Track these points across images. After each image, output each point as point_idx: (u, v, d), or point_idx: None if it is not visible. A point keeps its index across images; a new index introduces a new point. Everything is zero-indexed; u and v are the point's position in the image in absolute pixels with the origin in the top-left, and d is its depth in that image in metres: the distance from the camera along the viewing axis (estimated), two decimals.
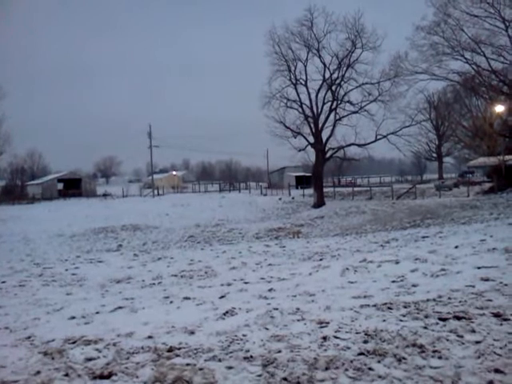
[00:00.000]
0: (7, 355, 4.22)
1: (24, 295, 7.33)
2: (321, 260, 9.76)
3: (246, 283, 7.48)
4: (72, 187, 68.45)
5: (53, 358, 4.09)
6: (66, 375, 3.69)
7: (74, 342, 4.52)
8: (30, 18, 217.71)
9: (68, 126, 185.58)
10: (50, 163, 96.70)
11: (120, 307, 6.06)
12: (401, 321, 4.62)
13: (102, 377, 3.65)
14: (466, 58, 31.10)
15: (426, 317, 4.68)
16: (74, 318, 5.61)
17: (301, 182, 63.75)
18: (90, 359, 4.03)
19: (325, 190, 41.18)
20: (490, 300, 5.12)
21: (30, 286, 8.10)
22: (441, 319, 4.56)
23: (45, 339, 4.69)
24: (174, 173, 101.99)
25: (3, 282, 8.49)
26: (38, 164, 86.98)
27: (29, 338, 4.79)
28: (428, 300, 5.35)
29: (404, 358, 3.64)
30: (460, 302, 5.17)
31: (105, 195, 62.58)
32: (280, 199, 43.73)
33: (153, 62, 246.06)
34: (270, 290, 6.71)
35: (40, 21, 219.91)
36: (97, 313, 5.82)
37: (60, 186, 70.71)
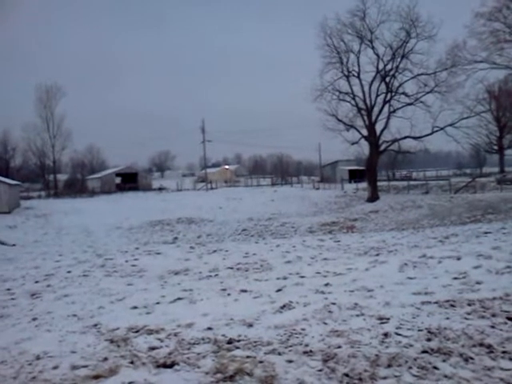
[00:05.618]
0: (76, 341, 4.44)
1: (88, 285, 7.65)
2: (377, 255, 9.57)
3: (301, 277, 7.45)
4: (129, 181, 70.58)
5: (118, 346, 4.26)
6: (132, 363, 3.83)
7: (137, 331, 4.69)
8: (92, 16, 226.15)
9: (124, 122, 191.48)
10: (108, 158, 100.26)
11: (179, 298, 6.20)
12: (466, 319, 4.46)
13: (165, 365, 3.76)
14: None
15: (493, 316, 4.49)
16: (136, 307, 5.80)
17: (354, 176, 62.68)
18: (153, 348, 4.17)
19: (379, 183, 40.36)
20: None
21: (94, 276, 8.43)
22: (509, 319, 4.36)
23: (110, 327, 4.89)
24: (227, 167, 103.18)
25: (69, 272, 8.90)
26: (97, 159, 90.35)
27: (95, 325, 5.01)
28: (494, 298, 5.13)
29: (471, 358, 3.51)
30: None
31: (160, 189, 64.17)
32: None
33: (205, 56, 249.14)
34: (327, 284, 6.65)
35: (96, 18, 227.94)
36: (157, 303, 5.98)
37: (118, 179, 73.12)
